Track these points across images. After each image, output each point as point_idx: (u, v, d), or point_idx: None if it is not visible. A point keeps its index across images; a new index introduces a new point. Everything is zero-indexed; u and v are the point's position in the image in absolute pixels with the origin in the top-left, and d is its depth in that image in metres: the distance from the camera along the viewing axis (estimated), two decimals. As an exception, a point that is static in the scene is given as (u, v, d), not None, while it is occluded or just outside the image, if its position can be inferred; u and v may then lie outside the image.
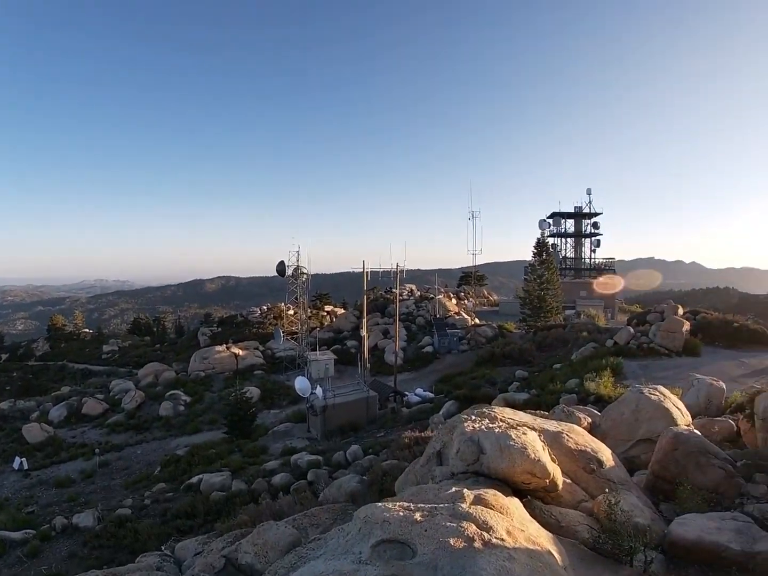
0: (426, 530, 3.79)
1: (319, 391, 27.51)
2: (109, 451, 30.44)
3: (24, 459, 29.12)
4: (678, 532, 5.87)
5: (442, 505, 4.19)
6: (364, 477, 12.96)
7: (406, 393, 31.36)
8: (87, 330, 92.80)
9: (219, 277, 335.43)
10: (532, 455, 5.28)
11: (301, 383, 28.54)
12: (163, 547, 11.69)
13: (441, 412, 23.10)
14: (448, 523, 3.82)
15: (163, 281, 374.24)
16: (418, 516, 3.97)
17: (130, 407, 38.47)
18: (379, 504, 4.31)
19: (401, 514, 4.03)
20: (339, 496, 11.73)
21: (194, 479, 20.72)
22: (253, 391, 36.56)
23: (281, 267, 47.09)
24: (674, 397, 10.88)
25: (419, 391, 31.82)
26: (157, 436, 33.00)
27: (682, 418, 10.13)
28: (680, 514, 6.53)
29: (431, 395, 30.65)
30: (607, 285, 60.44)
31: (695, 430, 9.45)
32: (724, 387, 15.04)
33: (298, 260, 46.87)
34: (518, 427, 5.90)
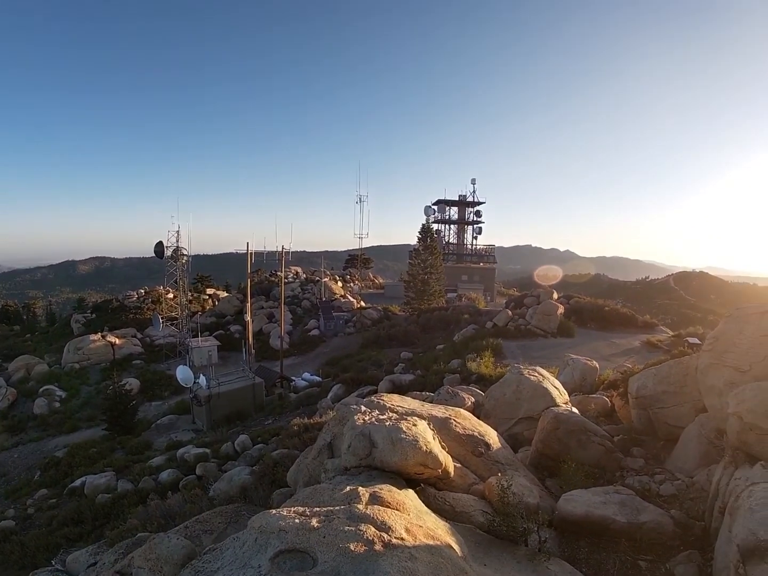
0: (324, 537, 3.78)
1: (202, 379, 26.79)
2: (-22, 461, 28.32)
3: None
4: (567, 508, 6.24)
5: (338, 508, 4.20)
6: (255, 468, 12.83)
7: (293, 378, 31.23)
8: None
9: (93, 257, 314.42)
10: (424, 447, 5.40)
11: (182, 372, 27.62)
12: (53, 561, 11.06)
13: (329, 396, 23.22)
14: (347, 527, 3.83)
15: (32, 263, 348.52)
16: (315, 522, 3.95)
17: (2, 406, 35.83)
18: (273, 512, 4.26)
19: (297, 521, 4.00)
20: (230, 489, 11.55)
21: (77, 482, 19.63)
22: (132, 383, 35.00)
23: (159, 248, 45.17)
24: (552, 377, 11.49)
25: (306, 375, 31.77)
26: (33, 437, 30.90)
27: (561, 396, 10.72)
28: (566, 490, 6.93)
29: (319, 379, 30.69)
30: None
31: (574, 408, 10.07)
32: (597, 366, 16.08)
33: (178, 240, 45.20)
34: (408, 418, 6.01)
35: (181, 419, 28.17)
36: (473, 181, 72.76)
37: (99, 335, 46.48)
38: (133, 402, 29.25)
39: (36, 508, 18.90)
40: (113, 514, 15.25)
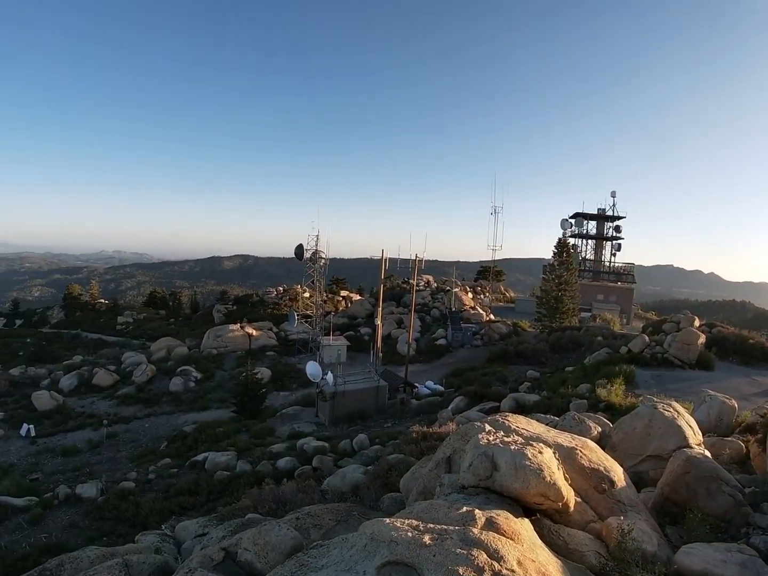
0: (435, 555, 3.65)
1: (329, 376, 27.47)
2: (117, 423, 30.61)
3: (32, 426, 29.32)
4: (685, 562, 5.72)
5: (452, 528, 4.05)
6: (369, 468, 12.91)
7: (417, 385, 31.26)
8: (103, 300, 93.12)
9: (237, 255, 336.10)
10: (548, 478, 5.14)
11: (312, 368, 28.49)
12: (163, 526, 11.67)
13: (450, 407, 22.99)
14: (458, 550, 3.68)
15: (181, 256, 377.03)
16: (427, 539, 3.84)
17: (141, 380, 38.64)
18: (387, 521, 4.19)
19: (410, 534, 3.90)
20: (342, 486, 11.68)
21: (200, 457, 20.83)
22: (264, 372, 36.62)
23: (300, 250, 46.96)
24: (687, 415, 10.66)
25: (429, 383, 31.72)
26: (166, 410, 33.14)
27: (694, 437, 9.92)
28: (687, 541, 6.38)
29: (441, 388, 30.54)
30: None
31: (706, 452, 9.26)
32: (736, 406, 14.78)
33: (317, 244, 46.73)
34: (534, 443, 5.75)
35: (305, 411, 29.03)
36: (613, 194, 68.49)
37: (238, 326, 49.26)
38: (263, 390, 30.61)
39: (156, 474, 20.19)
40: (228, 491, 16.01)
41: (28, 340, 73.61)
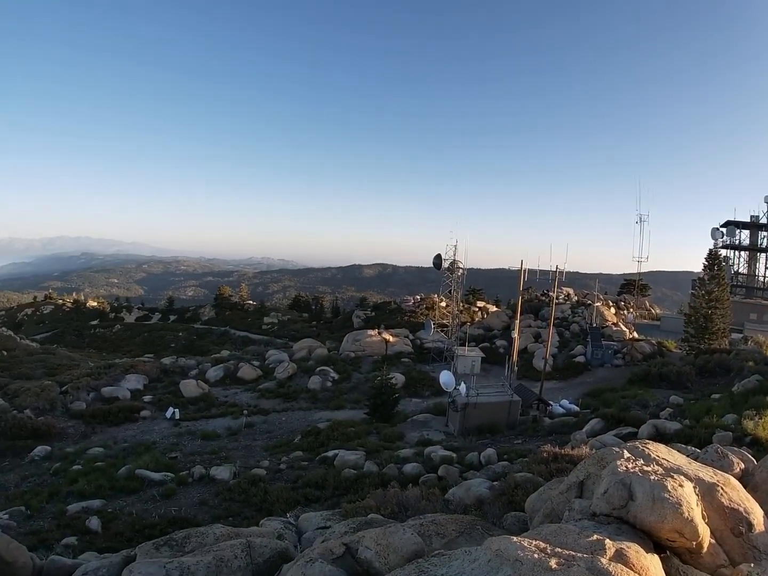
0: (559, 581, 3.54)
1: (462, 387, 27.29)
2: (256, 414, 32.17)
3: (177, 410, 31.62)
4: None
5: (580, 555, 3.87)
6: (495, 483, 12.68)
7: (551, 403, 30.33)
8: (251, 302, 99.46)
9: (377, 263, 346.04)
10: (686, 514, 4.79)
11: (445, 377, 28.49)
12: (288, 514, 12.08)
13: (584, 429, 21.99)
14: (584, 579, 3.54)
15: (324, 263, 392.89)
16: (553, 563, 3.70)
17: (281, 377, 40.41)
18: (514, 539, 4.09)
19: (536, 556, 3.77)
20: (466, 498, 11.54)
21: (330, 453, 21.40)
22: (398, 378, 37.10)
23: (438, 260, 47.14)
24: None
25: (564, 402, 30.65)
26: (303, 407, 34.42)
27: None
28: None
29: (576, 409, 29.42)
30: None
31: None
32: None
33: (455, 254, 46.66)
34: (674, 475, 5.38)
35: (436, 420, 29.02)
36: (767, 200, 60.60)
37: (376, 331, 50.30)
38: (396, 395, 31.02)
39: (287, 465, 20.92)
40: (353, 488, 16.30)
41: (180, 333, 79.74)
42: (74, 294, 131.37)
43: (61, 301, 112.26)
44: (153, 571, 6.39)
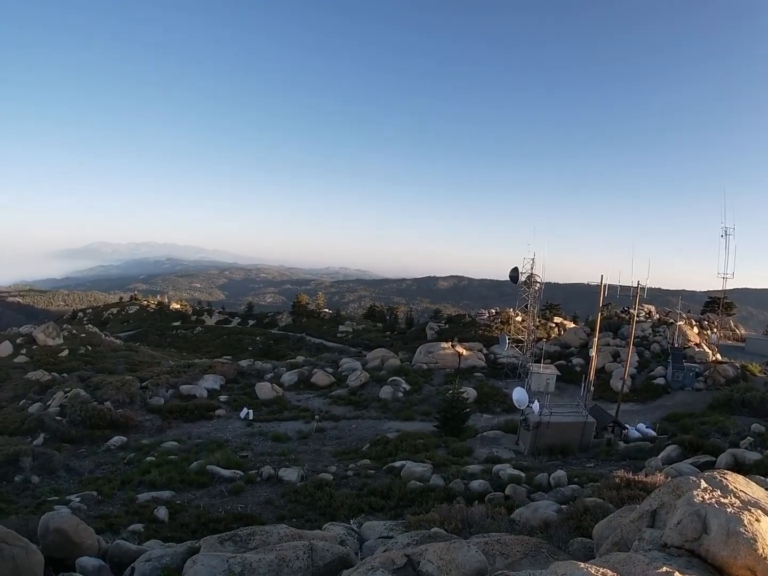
0: (625, 610, 3.34)
1: (535, 405, 26.68)
2: (327, 420, 32.54)
3: (251, 410, 32.45)
4: None
5: (648, 586, 3.69)
6: (563, 507, 12.29)
7: (627, 426, 29.19)
8: (327, 310, 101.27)
9: (452, 276, 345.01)
10: (760, 550, 4.46)
11: (518, 394, 27.91)
12: (351, 521, 12.10)
13: (660, 456, 21.02)
14: (651, 610, 3.33)
15: (399, 274, 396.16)
16: (619, 592, 3.52)
17: (354, 385, 40.74)
18: (582, 566, 3.93)
19: (603, 584, 3.62)
20: (532, 519, 11.26)
21: (397, 463, 21.37)
22: (469, 392, 36.72)
23: (514, 273, 46.33)
24: None
25: (641, 426, 29.42)
26: (373, 415, 34.56)
27: None
28: None
29: (653, 433, 28.19)
30: None
31: None
32: None
33: (532, 267, 45.65)
34: (752, 509, 5.04)
35: (506, 437, 28.51)
36: None
37: (449, 344, 50.06)
38: (467, 410, 30.70)
39: (354, 472, 20.99)
40: (418, 501, 16.29)
41: (258, 338, 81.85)
42: (158, 296, 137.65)
43: (145, 302, 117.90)
44: (216, 564, 6.57)
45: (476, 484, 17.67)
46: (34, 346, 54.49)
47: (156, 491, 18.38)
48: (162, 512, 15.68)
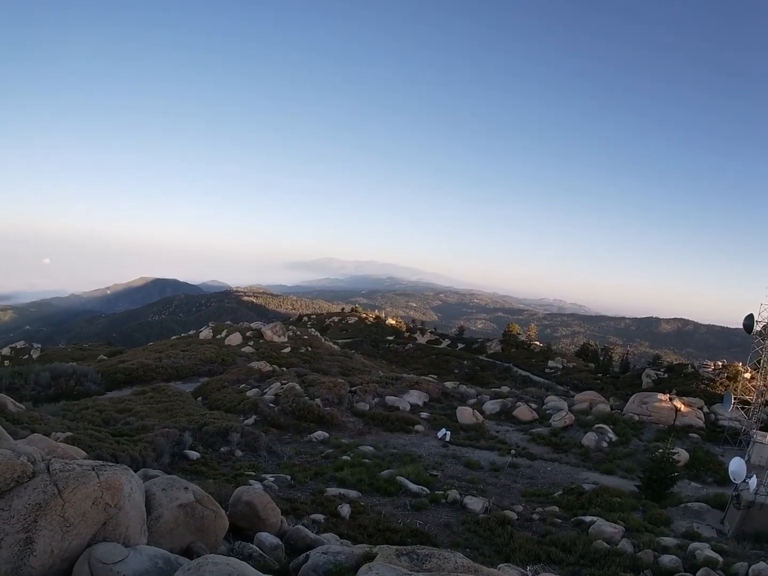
0: None
1: (753, 481, 23.90)
2: (523, 457, 32.09)
3: (448, 432, 33.18)
4: None
5: None
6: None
7: None
8: (537, 343, 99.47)
9: (675, 318, 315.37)
10: None
11: (735, 465, 25.13)
12: (528, 567, 12.01)
13: None
14: None
15: (617, 312, 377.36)
16: None
17: (557, 425, 39.66)
18: None
19: None
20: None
21: (587, 518, 20.49)
22: (681, 454, 33.67)
23: (749, 321, 41.32)
24: None
25: None
26: (571, 461, 33.34)
27: None
28: None
29: None
30: None
31: None
32: None
33: (771, 315, 41.08)
34: None
35: (711, 513, 25.97)
36: None
37: (666, 396, 46.31)
38: (675, 473, 28.15)
39: (540, 517, 20.42)
40: (600, 563, 15.38)
41: (465, 362, 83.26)
42: (377, 311, 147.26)
43: (364, 315, 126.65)
44: (391, 577, 6.79)
45: (667, 559, 16.44)
46: (261, 341, 61.42)
47: (344, 489, 19.71)
48: (345, 509, 16.70)
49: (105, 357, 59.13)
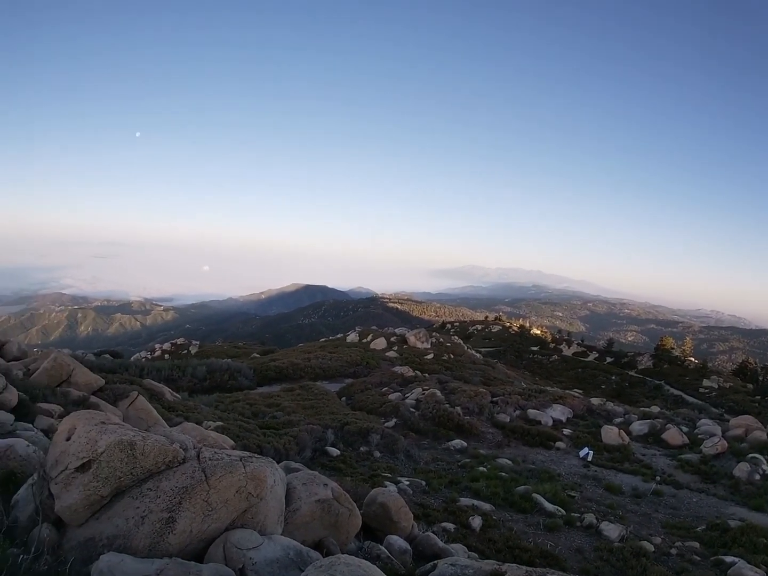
0: None
1: None
2: (668, 485, 30.15)
3: (591, 451, 31.89)
4: None
5: None
6: None
7: None
8: (692, 359, 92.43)
9: None
10: None
11: None
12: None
13: None
14: None
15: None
16: None
17: (708, 452, 36.84)
18: None
19: None
20: None
21: (728, 558, 18.75)
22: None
23: None
24: None
25: None
26: (719, 493, 30.90)
27: None
28: None
29: None
30: None
31: None
32: None
33: None
34: None
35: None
36: None
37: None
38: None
39: (678, 552, 18.97)
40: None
41: (613, 377, 79.86)
42: (521, 320, 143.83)
43: (508, 323, 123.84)
44: (521, 601, 6.97)
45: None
46: (405, 346, 62.45)
47: (478, 500, 19.60)
48: (477, 521, 16.66)
49: (258, 355, 62.81)
